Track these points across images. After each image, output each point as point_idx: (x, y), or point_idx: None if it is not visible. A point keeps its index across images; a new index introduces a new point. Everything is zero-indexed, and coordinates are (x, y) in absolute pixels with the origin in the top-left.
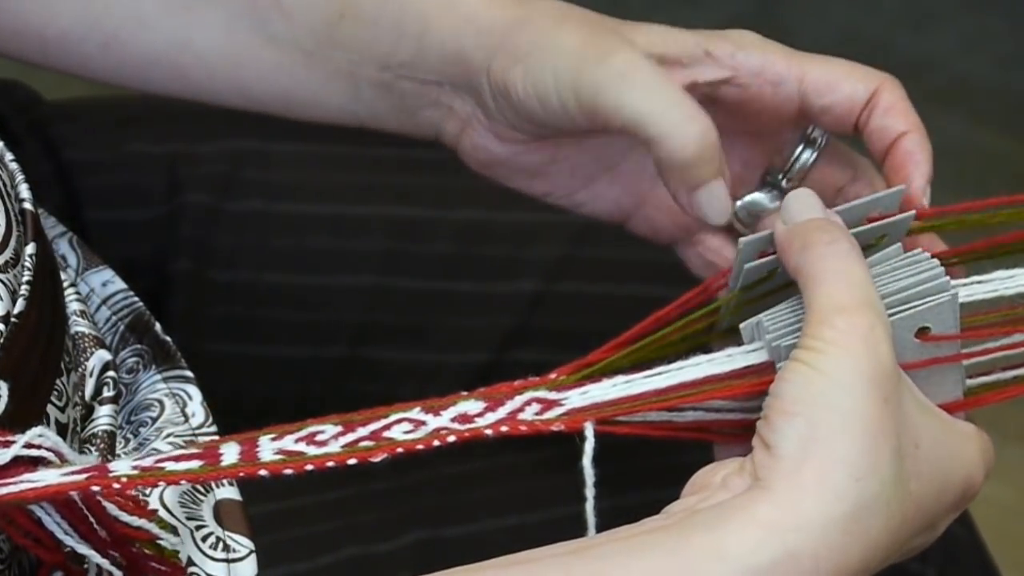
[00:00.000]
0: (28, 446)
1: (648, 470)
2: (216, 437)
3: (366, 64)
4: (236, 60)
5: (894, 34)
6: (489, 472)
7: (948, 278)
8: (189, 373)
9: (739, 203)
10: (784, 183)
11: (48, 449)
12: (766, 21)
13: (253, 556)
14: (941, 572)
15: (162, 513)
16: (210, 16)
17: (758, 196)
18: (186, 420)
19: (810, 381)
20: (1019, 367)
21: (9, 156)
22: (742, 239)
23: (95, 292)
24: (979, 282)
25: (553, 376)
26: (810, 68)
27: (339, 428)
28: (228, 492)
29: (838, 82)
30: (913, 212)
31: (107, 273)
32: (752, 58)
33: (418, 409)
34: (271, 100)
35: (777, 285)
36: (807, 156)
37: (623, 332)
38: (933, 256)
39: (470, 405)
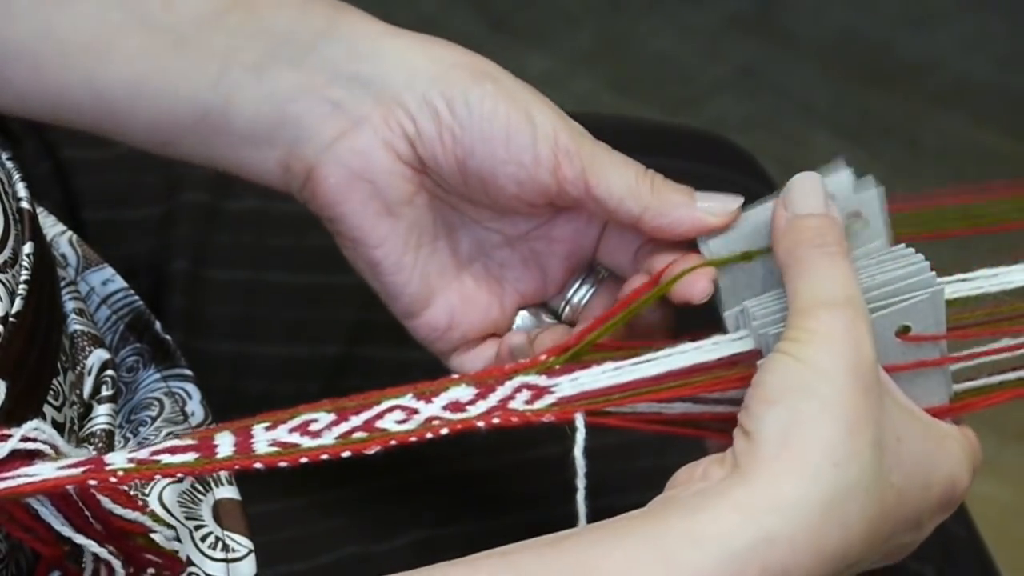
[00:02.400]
0: (25, 439)
1: (638, 472)
2: None
3: (248, 50)
4: (99, 47)
5: (894, 34)
6: (489, 472)
7: (933, 273)
8: (188, 372)
9: (523, 312)
10: (564, 311)
11: (44, 442)
12: (766, 21)
13: (252, 555)
14: (939, 571)
15: (161, 513)
16: (83, 5)
17: (537, 312)
18: (185, 419)
19: (791, 370)
20: (1006, 372)
21: (6, 155)
22: (700, 242)
23: (95, 291)
24: (963, 280)
25: (543, 358)
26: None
27: (332, 416)
28: (227, 492)
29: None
30: (879, 189)
31: (107, 272)
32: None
33: (410, 395)
34: (120, 88)
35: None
36: (585, 290)
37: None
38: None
39: (461, 391)
